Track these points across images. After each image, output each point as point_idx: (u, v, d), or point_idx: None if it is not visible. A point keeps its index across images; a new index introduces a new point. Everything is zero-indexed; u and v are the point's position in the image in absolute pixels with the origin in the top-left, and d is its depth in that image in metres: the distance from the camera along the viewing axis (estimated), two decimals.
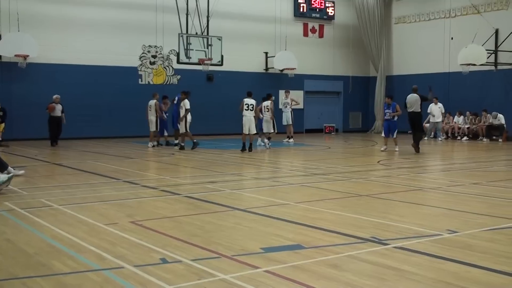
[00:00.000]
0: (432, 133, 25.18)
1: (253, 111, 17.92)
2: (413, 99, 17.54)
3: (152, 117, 19.41)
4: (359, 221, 7.08)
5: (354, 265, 5.09)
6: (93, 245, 5.75)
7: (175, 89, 24.87)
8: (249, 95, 18.29)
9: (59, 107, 20.41)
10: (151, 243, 5.83)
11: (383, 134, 18.40)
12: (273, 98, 20.81)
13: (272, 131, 19.52)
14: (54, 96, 20.44)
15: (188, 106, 17.90)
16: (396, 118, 17.81)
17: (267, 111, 19.23)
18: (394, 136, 17.97)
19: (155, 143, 19.77)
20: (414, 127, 17.77)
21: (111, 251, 5.51)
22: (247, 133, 17.76)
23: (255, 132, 18.28)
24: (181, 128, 18.20)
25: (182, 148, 18.19)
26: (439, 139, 24.77)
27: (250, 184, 10.59)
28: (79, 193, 9.43)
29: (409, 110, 17.55)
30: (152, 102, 19.53)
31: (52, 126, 20.35)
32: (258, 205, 8.22)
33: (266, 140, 19.32)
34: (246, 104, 17.86)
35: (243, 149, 17.67)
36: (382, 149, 18.14)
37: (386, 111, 17.95)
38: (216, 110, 26.15)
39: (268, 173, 12.93)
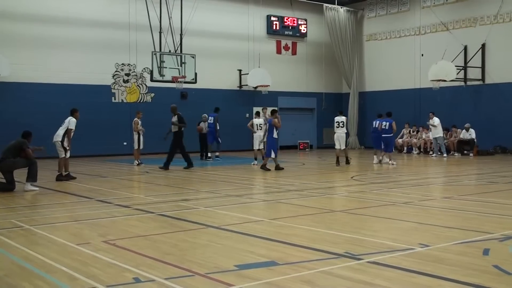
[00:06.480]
0: (435, 149, 24.14)
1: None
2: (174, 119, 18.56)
3: (134, 135, 19.61)
4: (333, 236, 7.12)
5: (328, 281, 5.11)
6: (65, 265, 5.66)
7: (148, 107, 24.86)
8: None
9: (205, 125, 22.39)
10: (124, 262, 5.77)
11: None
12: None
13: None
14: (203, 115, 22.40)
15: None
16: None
17: (260, 129, 19.42)
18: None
19: (139, 161, 19.65)
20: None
21: (83, 271, 5.44)
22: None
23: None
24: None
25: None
26: (434, 155, 23.80)
27: (224, 202, 10.56)
28: (51, 213, 9.31)
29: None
30: (134, 120, 19.66)
31: (201, 143, 22.83)
32: (232, 222, 8.21)
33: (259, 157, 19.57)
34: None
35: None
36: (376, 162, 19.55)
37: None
38: (190, 127, 25.99)
39: (242, 190, 12.90)
